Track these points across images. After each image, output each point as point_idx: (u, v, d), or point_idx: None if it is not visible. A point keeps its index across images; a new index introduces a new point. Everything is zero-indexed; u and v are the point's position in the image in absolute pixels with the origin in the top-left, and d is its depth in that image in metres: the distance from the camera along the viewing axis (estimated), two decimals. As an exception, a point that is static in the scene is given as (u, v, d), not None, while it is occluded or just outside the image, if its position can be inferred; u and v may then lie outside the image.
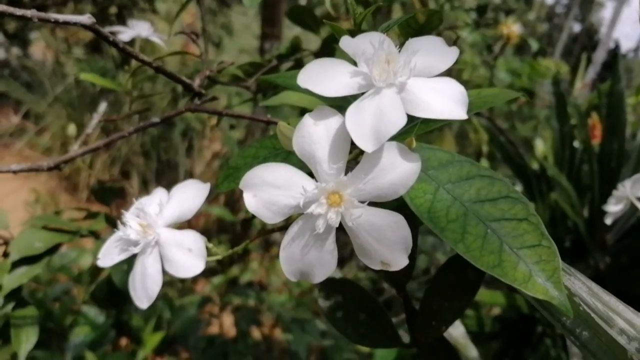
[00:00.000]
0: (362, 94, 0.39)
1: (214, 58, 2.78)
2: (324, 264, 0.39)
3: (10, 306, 0.81)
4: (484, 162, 1.98)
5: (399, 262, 0.38)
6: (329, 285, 0.61)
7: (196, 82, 0.69)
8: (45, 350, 1.65)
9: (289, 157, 0.50)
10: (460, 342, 0.82)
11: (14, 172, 0.62)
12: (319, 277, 0.39)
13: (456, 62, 0.41)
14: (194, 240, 0.45)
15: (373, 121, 0.37)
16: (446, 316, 0.51)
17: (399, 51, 0.39)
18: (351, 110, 0.37)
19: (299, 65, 0.95)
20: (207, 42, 0.77)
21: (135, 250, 0.46)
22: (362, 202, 0.37)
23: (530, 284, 0.40)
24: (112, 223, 0.94)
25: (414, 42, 0.40)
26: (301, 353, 1.87)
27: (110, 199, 0.97)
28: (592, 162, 1.34)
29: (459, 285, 0.51)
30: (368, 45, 0.39)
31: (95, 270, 0.95)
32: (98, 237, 0.92)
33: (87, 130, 0.73)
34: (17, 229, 0.84)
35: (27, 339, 0.82)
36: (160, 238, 0.46)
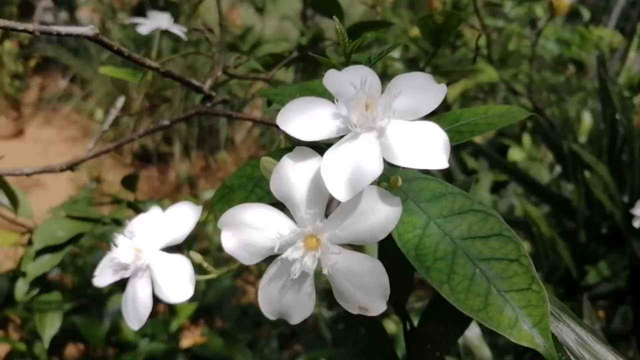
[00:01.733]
0: (342, 136, 0.37)
1: (256, 24, 2.76)
2: (301, 306, 0.39)
3: (35, 292, 0.84)
4: (527, 139, 1.93)
5: (377, 308, 0.38)
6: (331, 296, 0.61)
7: (207, 84, 0.69)
8: (85, 316, 1.71)
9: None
10: (475, 343, 0.81)
11: (27, 174, 0.63)
12: (296, 318, 0.39)
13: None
14: (183, 265, 0.46)
15: (349, 170, 0.36)
16: (441, 342, 0.50)
17: (382, 93, 0.38)
18: (328, 156, 0.36)
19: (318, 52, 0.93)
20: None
21: (127, 273, 0.46)
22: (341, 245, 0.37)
23: (516, 330, 0.39)
24: (137, 210, 0.96)
25: (398, 81, 0.39)
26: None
27: (135, 186, 0.99)
28: (633, 147, 1.28)
29: (455, 312, 0.50)
30: (349, 86, 0.37)
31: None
32: (120, 225, 0.94)
33: (103, 127, 0.74)
34: (60, 193, 0.85)
35: (51, 324, 0.85)
36: (151, 262, 0.46)
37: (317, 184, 0.37)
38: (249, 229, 0.38)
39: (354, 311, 0.38)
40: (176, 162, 3.14)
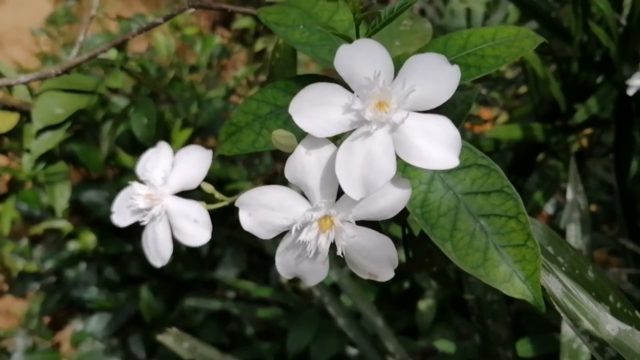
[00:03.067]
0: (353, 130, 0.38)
1: None
2: (316, 272, 0.42)
3: (41, 166, 0.86)
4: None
5: (386, 275, 0.41)
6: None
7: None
8: (81, 143, 1.74)
9: (290, 117, 0.49)
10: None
11: (24, 83, 0.62)
12: (311, 282, 0.43)
13: None
14: (199, 211, 0.48)
15: (363, 168, 0.37)
16: (438, 259, 0.55)
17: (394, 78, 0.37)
18: (341, 152, 0.37)
19: None
20: None
21: (145, 219, 0.49)
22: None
23: (510, 283, 0.42)
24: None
25: (411, 67, 0.37)
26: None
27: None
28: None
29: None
30: (361, 75, 0.37)
31: (120, 115, 0.98)
32: (116, 92, 0.94)
33: (91, 12, 0.71)
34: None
35: (61, 194, 0.89)
36: (168, 208, 0.48)
37: (329, 171, 0.38)
38: (266, 210, 0.40)
39: (364, 277, 0.42)
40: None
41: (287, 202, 0.40)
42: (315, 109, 0.38)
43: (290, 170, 0.39)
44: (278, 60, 0.65)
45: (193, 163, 0.49)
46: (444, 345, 1.16)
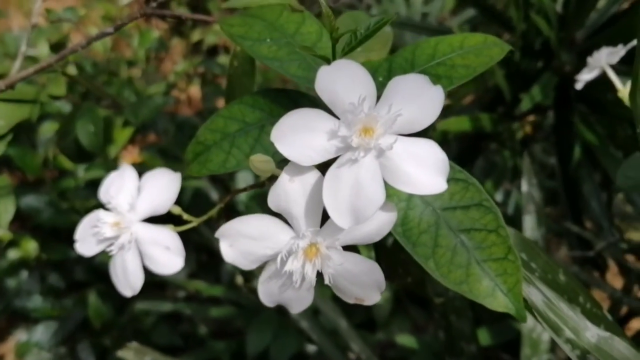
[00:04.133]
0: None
1: None
2: (301, 300, 0.41)
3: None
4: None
5: (373, 298, 0.41)
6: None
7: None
8: (17, 146, 1.67)
9: (261, 134, 0.48)
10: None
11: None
12: (296, 309, 0.42)
13: None
14: (170, 238, 0.46)
15: (351, 197, 0.36)
16: (413, 270, 0.55)
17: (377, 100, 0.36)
18: (328, 180, 0.36)
19: None
20: None
21: (113, 248, 0.46)
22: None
23: (493, 298, 0.42)
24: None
25: (394, 89, 0.36)
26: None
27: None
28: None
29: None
30: (346, 103, 0.36)
31: (65, 123, 0.93)
32: (58, 99, 0.89)
33: (32, 20, 0.66)
34: None
35: (5, 209, 0.85)
36: (137, 236, 0.46)
37: (314, 198, 0.37)
38: (248, 240, 0.39)
39: (351, 301, 0.41)
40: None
41: (269, 231, 0.39)
42: (298, 136, 0.36)
43: (273, 198, 0.38)
44: (236, 68, 0.63)
45: (161, 187, 0.47)
46: (404, 339, 1.18)
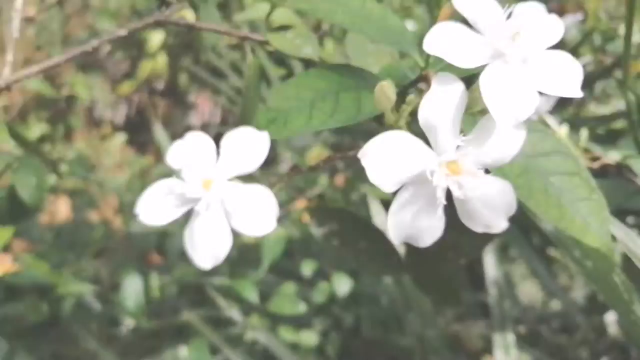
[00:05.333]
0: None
1: None
2: (432, 230, 0.40)
3: None
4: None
5: (501, 225, 0.40)
6: (321, 214, 0.61)
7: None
8: None
9: (338, 98, 0.48)
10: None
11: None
12: (427, 241, 0.40)
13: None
14: (264, 195, 0.43)
15: (509, 98, 0.37)
16: (465, 250, 0.55)
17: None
18: (485, 84, 0.37)
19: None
20: None
21: (199, 207, 0.42)
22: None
23: (589, 234, 0.44)
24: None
25: (523, 11, 0.40)
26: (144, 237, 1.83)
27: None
28: None
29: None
30: (490, 13, 0.38)
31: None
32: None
33: (13, 35, 0.62)
34: None
35: None
36: (226, 194, 0.42)
37: (460, 109, 0.38)
38: (392, 157, 0.38)
39: (479, 229, 0.41)
40: None
41: (413, 148, 0.38)
42: (452, 43, 0.38)
43: (425, 109, 0.38)
44: (248, 92, 0.63)
45: (248, 144, 0.44)
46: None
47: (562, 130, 0.84)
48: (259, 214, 0.42)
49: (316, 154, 2.31)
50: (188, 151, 0.44)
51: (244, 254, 1.46)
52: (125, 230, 2.01)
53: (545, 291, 1.33)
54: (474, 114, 0.40)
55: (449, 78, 0.38)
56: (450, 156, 0.38)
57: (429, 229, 0.40)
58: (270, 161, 1.80)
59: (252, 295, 1.15)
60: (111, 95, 3.19)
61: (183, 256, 1.57)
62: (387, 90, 0.40)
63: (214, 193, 0.42)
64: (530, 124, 0.46)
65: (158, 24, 0.60)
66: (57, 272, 1.53)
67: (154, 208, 0.43)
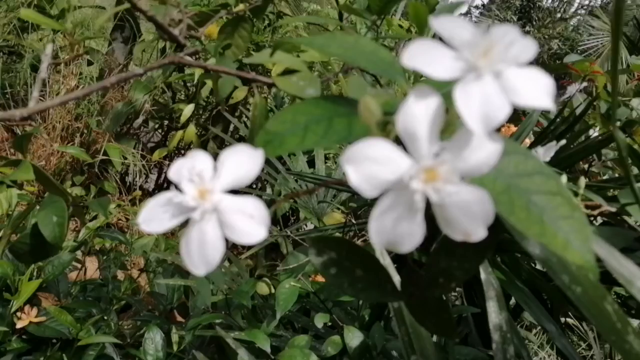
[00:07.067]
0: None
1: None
2: (413, 235, 0.42)
3: None
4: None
5: (479, 234, 0.42)
6: (320, 243, 0.63)
7: (176, 31, 0.66)
8: None
9: (332, 123, 0.51)
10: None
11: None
12: (407, 247, 0.42)
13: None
14: (255, 206, 0.45)
15: (482, 106, 0.40)
16: (456, 274, 0.56)
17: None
18: (459, 93, 0.40)
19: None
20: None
21: (195, 216, 0.44)
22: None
23: (569, 251, 0.46)
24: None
25: (496, 30, 0.43)
26: (168, 295, 1.86)
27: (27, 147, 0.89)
28: None
29: (469, 246, 0.56)
30: (465, 31, 0.41)
31: (18, 218, 0.87)
32: (22, 188, 0.85)
33: (40, 75, 0.67)
34: None
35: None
36: (221, 204, 0.45)
37: (437, 119, 0.41)
38: (373, 163, 0.40)
39: (459, 237, 0.42)
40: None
41: (392, 155, 0.41)
42: (428, 57, 0.41)
43: (402, 119, 0.40)
44: (256, 117, 0.67)
45: (242, 161, 0.47)
46: None
47: (562, 179, 0.85)
48: (251, 223, 0.45)
49: (334, 219, 2.38)
50: (187, 166, 0.48)
51: (259, 308, 1.47)
52: (150, 288, 2.04)
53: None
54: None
55: (425, 89, 0.41)
56: (427, 163, 0.40)
57: (409, 235, 0.42)
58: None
59: (265, 345, 1.15)
60: (143, 162, 3.29)
61: (205, 313, 1.58)
62: (369, 105, 0.43)
63: (208, 202, 0.45)
64: (513, 146, 0.49)
65: (172, 64, 0.64)
66: (80, 324, 1.55)
67: (154, 217, 0.46)
